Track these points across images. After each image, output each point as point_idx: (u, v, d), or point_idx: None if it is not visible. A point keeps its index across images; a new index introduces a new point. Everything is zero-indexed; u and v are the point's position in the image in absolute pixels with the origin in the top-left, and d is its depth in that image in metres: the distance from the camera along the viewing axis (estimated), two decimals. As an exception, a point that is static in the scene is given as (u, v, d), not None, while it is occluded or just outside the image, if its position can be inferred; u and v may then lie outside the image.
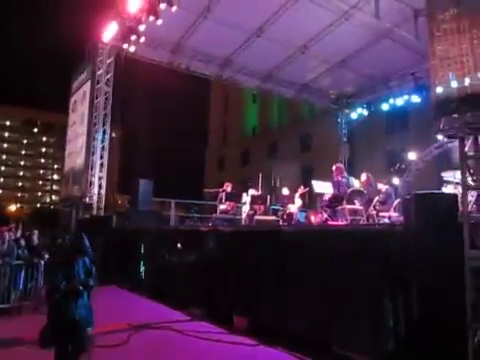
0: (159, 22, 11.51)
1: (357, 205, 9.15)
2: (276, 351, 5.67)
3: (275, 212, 12.35)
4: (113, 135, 14.33)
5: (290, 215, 11.61)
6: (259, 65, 15.88)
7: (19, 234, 10.49)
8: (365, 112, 18.64)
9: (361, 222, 8.75)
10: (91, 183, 13.83)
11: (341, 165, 10.31)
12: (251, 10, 12.46)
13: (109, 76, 14.52)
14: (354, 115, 19.11)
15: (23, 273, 8.32)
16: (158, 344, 6.07)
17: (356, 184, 9.83)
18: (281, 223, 11.31)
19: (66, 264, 4.51)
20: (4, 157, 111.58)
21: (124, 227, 12.80)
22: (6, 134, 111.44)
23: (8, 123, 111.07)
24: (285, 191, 12.87)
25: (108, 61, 14.44)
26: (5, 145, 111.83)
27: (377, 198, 9.44)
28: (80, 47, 16.84)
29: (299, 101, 20.49)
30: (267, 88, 17.53)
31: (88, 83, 15.51)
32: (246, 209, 12.34)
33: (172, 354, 5.65)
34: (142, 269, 10.81)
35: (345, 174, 9.79)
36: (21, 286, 8.31)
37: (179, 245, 9.49)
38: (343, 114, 19.51)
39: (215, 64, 15.60)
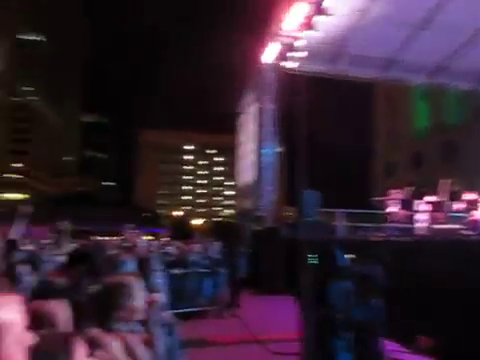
0: (317, 34, 11.64)
1: None
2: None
3: (457, 220, 11.00)
4: (280, 150, 14.90)
5: (476, 222, 10.18)
6: (426, 59, 14.58)
7: (203, 246, 11.66)
8: None
9: None
10: (261, 197, 14.60)
11: None
12: (412, 2, 11.60)
13: (272, 94, 15.23)
14: None
15: (209, 281, 9.21)
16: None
17: None
18: (467, 232, 10.00)
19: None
20: (186, 178, 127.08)
21: (292, 238, 13.09)
22: (186, 157, 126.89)
23: (188, 147, 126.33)
24: (468, 196, 11.36)
25: (270, 80, 15.17)
26: (185, 167, 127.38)
27: None
28: (244, 70, 18.15)
29: None
30: (438, 82, 15.94)
31: (253, 103, 16.56)
32: (422, 217, 11.30)
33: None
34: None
35: None
36: (206, 292, 9.18)
37: (352, 255, 9.20)
38: None
39: (377, 66, 14.93)
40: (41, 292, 2.20)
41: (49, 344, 1.19)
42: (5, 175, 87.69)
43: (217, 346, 6.34)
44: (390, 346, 6.44)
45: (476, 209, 10.61)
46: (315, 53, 14.03)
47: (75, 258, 2.89)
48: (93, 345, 1.51)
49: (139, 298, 2.21)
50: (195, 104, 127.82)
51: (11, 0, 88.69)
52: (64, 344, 1.20)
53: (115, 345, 1.90)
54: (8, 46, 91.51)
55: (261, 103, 15.35)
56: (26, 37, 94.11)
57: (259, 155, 14.98)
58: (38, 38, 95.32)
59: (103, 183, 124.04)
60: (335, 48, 14.11)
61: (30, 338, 0.86)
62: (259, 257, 13.00)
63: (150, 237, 23.41)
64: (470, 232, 9.83)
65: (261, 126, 15.17)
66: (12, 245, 4.42)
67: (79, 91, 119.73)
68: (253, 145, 16.26)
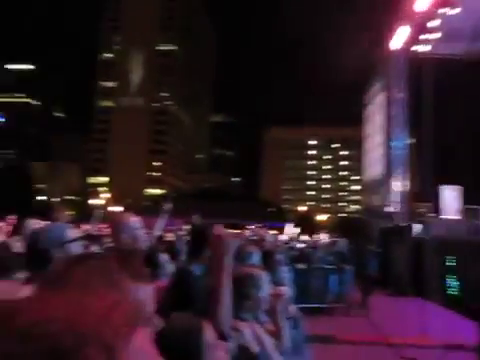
0: (456, 11, 10.51)
1: None
2: None
3: None
4: (411, 142, 13.89)
5: None
6: None
7: (327, 242, 11.51)
8: None
9: None
10: (391, 192, 13.80)
11: None
12: None
13: (402, 83, 14.26)
14: None
15: (334, 277, 9.06)
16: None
17: None
18: None
19: None
20: (310, 173, 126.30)
21: (426, 237, 12.08)
22: (310, 152, 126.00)
23: (312, 142, 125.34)
24: None
25: (400, 67, 14.21)
26: (309, 162, 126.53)
27: None
28: (369, 60, 17.29)
29: None
30: None
31: (381, 93, 15.70)
32: None
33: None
34: (454, 284, 9.88)
35: None
36: (333, 289, 9.04)
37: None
38: None
39: None
40: (180, 279, 2.42)
41: (181, 323, 1.29)
42: (148, 173, 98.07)
43: (343, 344, 6.22)
44: None
45: None
46: (452, 33, 12.68)
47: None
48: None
49: (265, 290, 2.28)
50: (319, 98, 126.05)
51: (151, 17, 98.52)
52: (196, 324, 1.29)
53: (247, 332, 2.00)
54: (148, 57, 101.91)
55: (389, 92, 14.47)
56: (162, 48, 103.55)
57: (388, 148, 14.15)
58: (173, 48, 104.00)
59: (231, 179, 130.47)
60: (476, 23, 12.55)
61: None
62: (388, 256, 12.32)
63: (275, 231, 23.90)
64: None
65: (389, 117, 14.30)
66: (158, 238, 4.94)
67: (208, 94, 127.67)
68: (381, 137, 15.42)
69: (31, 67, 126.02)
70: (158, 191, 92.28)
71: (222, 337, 1.44)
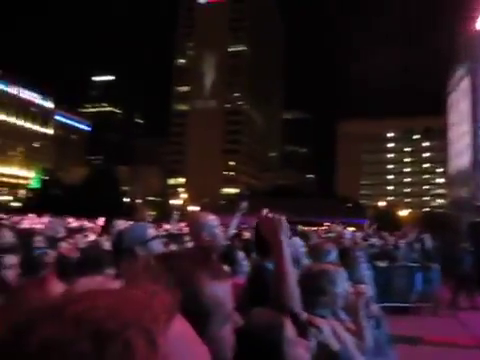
0: None
1: None
2: None
3: None
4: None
5: None
6: None
7: (412, 238, 10.91)
8: None
9: None
10: (479, 183, 12.72)
11: None
12: None
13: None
14: None
15: (419, 275, 8.58)
16: None
17: None
18: None
19: None
20: (389, 167, 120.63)
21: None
22: (388, 145, 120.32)
23: (390, 135, 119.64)
24: None
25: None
26: (388, 155, 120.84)
27: None
28: (453, 42, 16.11)
29: None
30: None
31: (466, 78, 14.53)
32: None
33: None
34: None
35: None
36: (418, 288, 8.57)
37: None
38: None
39: None
40: (256, 275, 2.45)
41: (262, 320, 1.30)
42: (223, 172, 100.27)
43: (430, 345, 5.87)
44: None
45: None
46: None
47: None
48: (304, 327, 1.59)
49: (341, 286, 2.22)
50: (397, 89, 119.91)
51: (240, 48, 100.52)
52: (277, 320, 1.29)
53: (326, 329, 1.97)
54: (219, 59, 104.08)
55: (475, 77, 13.33)
56: (233, 49, 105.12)
57: (475, 136, 13.04)
58: (243, 48, 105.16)
59: (305, 176, 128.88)
60: None
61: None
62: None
63: (353, 228, 23.20)
64: None
65: (476, 103, 13.17)
66: (235, 236, 5.05)
67: (280, 91, 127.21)
68: (467, 125, 14.27)
69: (112, 78, 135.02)
70: (233, 190, 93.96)
71: (302, 333, 1.42)
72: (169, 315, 0.41)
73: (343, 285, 2.25)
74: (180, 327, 0.42)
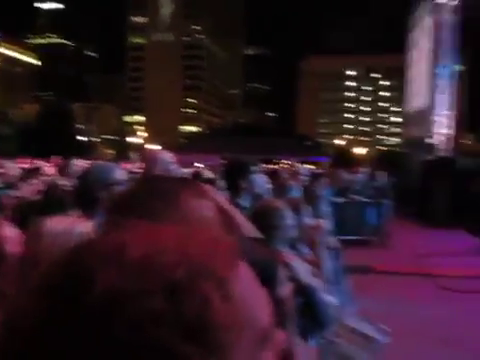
0: None
1: None
2: None
3: None
4: (460, 69, 13.00)
5: None
6: None
7: (366, 175, 11.35)
8: None
9: None
10: (434, 123, 13.20)
11: None
12: None
13: (454, 3, 13.03)
14: None
15: (372, 211, 9.04)
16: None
17: None
18: None
19: None
20: (348, 105, 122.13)
21: (475, 168, 11.74)
22: (349, 83, 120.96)
23: (351, 72, 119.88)
24: None
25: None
26: (348, 94, 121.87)
27: None
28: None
29: None
30: None
31: (428, 16, 14.50)
32: None
33: None
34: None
35: None
36: (371, 222, 9.06)
37: None
38: None
39: None
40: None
41: (258, 255, 1.31)
42: (182, 110, 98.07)
43: (380, 274, 6.34)
44: None
45: None
46: None
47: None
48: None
49: (290, 219, 2.28)
50: (360, 26, 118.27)
51: None
52: (272, 257, 1.30)
53: (294, 264, 2.04)
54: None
55: (438, 14, 13.32)
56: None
57: (434, 76, 13.31)
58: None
59: (266, 114, 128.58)
60: None
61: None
62: (430, 189, 12.10)
63: (312, 166, 23.82)
64: None
65: (437, 42, 13.29)
66: (195, 174, 5.01)
67: (242, 26, 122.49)
68: (426, 65, 14.48)
69: (60, 6, 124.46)
70: (194, 128, 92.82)
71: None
72: (237, 259, 0.35)
73: (291, 218, 2.30)
74: (246, 272, 0.36)
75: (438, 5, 13.33)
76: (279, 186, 3.60)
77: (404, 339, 3.91)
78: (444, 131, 13.00)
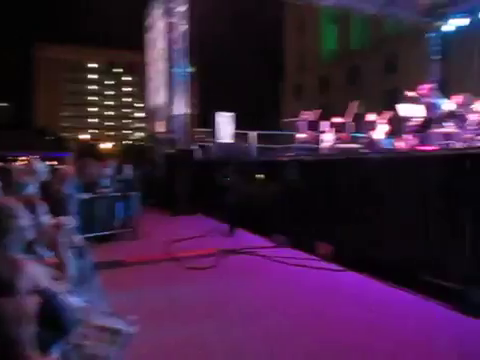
0: None
1: (452, 128, 8.44)
2: (362, 277, 5.71)
3: (358, 140, 11.89)
4: (191, 70, 14.38)
5: (373, 142, 11.12)
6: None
7: (113, 169, 11.30)
8: (466, 21, 16.29)
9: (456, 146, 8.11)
10: (173, 119, 14.26)
11: (430, 85, 9.48)
12: None
13: (184, 9, 14.25)
14: (450, 27, 17.01)
15: (120, 204, 9.08)
16: (245, 268, 6.42)
17: (450, 106, 9.01)
18: (364, 151, 10.89)
19: None
20: (91, 98, 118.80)
21: (206, 159, 13.41)
22: (90, 76, 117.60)
23: (92, 65, 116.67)
24: (370, 117, 12.21)
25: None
26: (90, 87, 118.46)
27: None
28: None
29: (384, 18, 18.69)
30: (347, 5, 16.15)
31: (163, 19, 15.45)
32: (327, 138, 12.04)
33: (258, 277, 5.95)
34: (226, 199, 11.22)
35: (436, 95, 8.99)
36: (120, 216, 9.08)
37: (261, 175, 9.64)
38: (435, 28, 17.51)
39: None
40: None
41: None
42: None
43: (131, 266, 6.46)
44: (295, 254, 7.10)
45: (373, 130, 11.51)
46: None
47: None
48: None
49: (25, 219, 2.05)
50: (98, 18, 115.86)
51: None
52: (16, 265, 1.15)
53: (30, 269, 1.81)
54: None
55: (170, 17, 14.37)
56: None
57: (170, 75, 14.32)
58: None
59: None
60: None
61: None
62: (173, 180, 13.08)
63: (55, 162, 22.08)
64: (366, 150, 10.72)
65: (171, 43, 14.33)
66: None
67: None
68: (163, 64, 15.45)
69: None
70: None
71: None
72: None
73: (26, 218, 2.07)
74: None
75: (170, 9, 14.37)
76: (10, 183, 3.16)
77: (158, 320, 4.11)
78: (182, 126, 14.21)
